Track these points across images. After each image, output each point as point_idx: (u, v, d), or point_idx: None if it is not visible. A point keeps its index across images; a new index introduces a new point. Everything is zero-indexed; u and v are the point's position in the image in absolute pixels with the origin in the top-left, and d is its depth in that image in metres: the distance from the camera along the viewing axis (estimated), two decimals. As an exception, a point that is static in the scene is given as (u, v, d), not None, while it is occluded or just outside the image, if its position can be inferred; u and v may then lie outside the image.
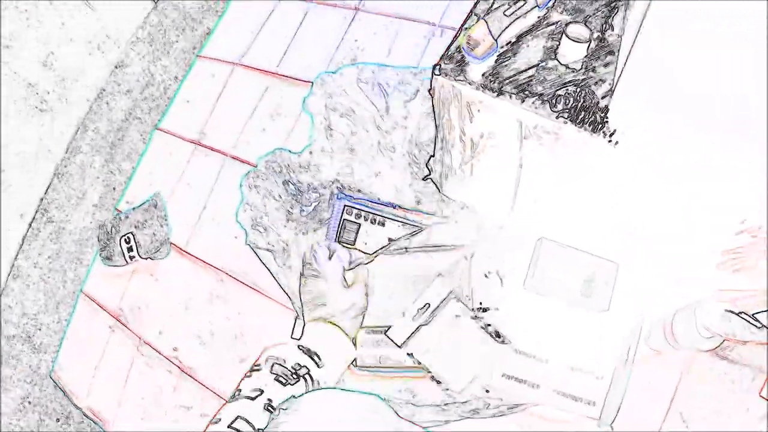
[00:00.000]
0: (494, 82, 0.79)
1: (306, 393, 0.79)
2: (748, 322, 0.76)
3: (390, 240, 0.97)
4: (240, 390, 0.78)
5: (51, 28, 1.24)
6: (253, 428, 0.72)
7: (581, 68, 0.79)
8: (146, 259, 1.14)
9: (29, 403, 1.16)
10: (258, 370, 0.84)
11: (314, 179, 1.08)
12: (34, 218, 1.26)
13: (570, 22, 0.79)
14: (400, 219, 1.01)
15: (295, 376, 0.79)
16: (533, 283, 0.91)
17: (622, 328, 0.88)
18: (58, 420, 1.13)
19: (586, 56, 0.79)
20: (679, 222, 0.81)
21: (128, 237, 1.16)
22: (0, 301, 1.21)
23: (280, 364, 0.81)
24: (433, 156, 0.99)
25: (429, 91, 0.87)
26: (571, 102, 0.76)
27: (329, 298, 0.89)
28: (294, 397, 0.77)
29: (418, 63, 1.10)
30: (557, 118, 0.77)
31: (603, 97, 0.77)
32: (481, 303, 0.93)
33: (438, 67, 0.81)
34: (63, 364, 1.16)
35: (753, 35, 0.75)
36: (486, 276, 0.95)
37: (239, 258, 1.08)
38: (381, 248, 0.98)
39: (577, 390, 0.87)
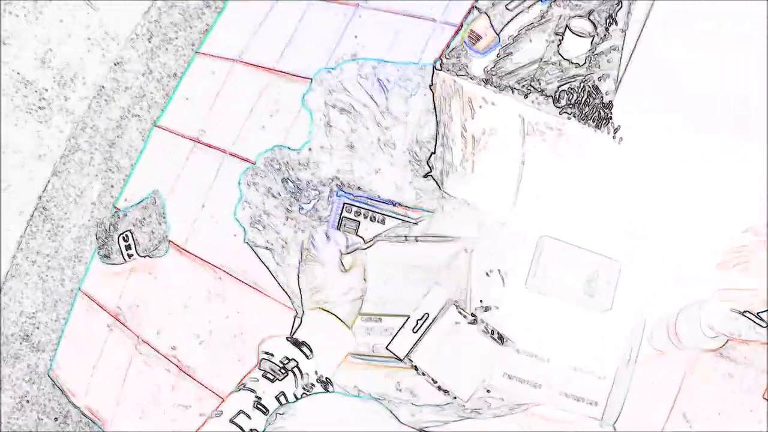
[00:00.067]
0: (496, 77, 0.78)
1: (303, 397, 0.78)
2: (754, 321, 0.76)
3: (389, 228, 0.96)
4: (244, 384, 0.76)
5: (49, 26, 1.24)
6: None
7: (585, 63, 0.78)
8: (145, 257, 1.14)
9: (27, 402, 1.15)
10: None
11: (313, 176, 1.07)
12: (32, 216, 1.26)
13: (573, 17, 0.78)
14: (400, 216, 1.00)
15: (283, 371, 0.77)
16: (535, 282, 0.91)
17: (625, 328, 0.88)
18: (56, 419, 1.13)
19: (589, 51, 0.78)
20: (681, 221, 0.81)
21: (126, 235, 1.16)
22: (-3, 299, 1.21)
23: (268, 359, 0.79)
24: (434, 153, 0.98)
25: (430, 86, 0.86)
26: (575, 97, 0.75)
27: (326, 283, 0.87)
28: (289, 402, 0.76)
29: (419, 59, 1.09)
30: (560, 114, 0.76)
31: (607, 93, 0.76)
32: (481, 301, 0.93)
33: (439, 61, 0.80)
34: (61, 362, 1.15)
35: (757, 34, 0.74)
36: (487, 274, 0.94)
37: (238, 256, 1.07)
38: (379, 234, 0.97)
39: (579, 390, 0.86)
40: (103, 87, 1.31)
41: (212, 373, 1.05)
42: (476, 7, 0.81)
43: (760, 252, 0.80)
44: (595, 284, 0.89)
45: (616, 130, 0.75)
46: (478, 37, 0.77)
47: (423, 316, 0.90)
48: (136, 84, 1.29)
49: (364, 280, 0.91)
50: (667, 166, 0.76)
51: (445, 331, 0.89)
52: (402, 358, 0.89)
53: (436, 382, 0.88)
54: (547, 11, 0.81)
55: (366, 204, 1.02)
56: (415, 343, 0.89)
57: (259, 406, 0.72)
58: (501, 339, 0.89)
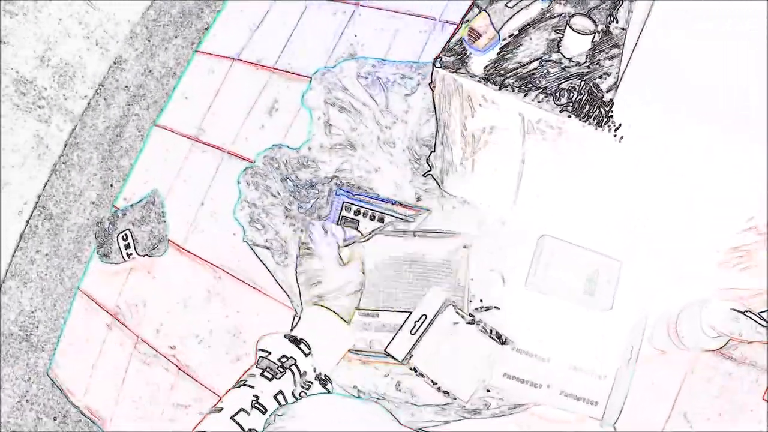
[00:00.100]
0: (496, 75, 0.78)
1: (302, 396, 0.77)
2: (755, 321, 0.75)
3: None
4: (244, 380, 0.76)
5: (49, 25, 1.24)
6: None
7: (585, 61, 0.77)
8: (144, 256, 1.14)
9: (27, 401, 1.15)
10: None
11: (313, 175, 1.06)
12: (31, 215, 1.25)
13: (574, 14, 0.77)
14: (399, 215, 0.99)
15: (281, 369, 0.77)
16: (535, 281, 0.90)
17: (625, 327, 0.87)
18: (55, 419, 1.13)
19: (590, 49, 0.77)
20: (682, 217, 0.80)
21: (126, 234, 1.15)
22: (-4, 298, 1.20)
23: (266, 357, 0.79)
24: (434, 151, 0.98)
25: (429, 84, 0.86)
26: (576, 96, 0.75)
27: (325, 276, 0.87)
28: (288, 402, 0.75)
29: (418, 58, 1.09)
30: (561, 112, 0.76)
31: (608, 91, 0.76)
32: (481, 301, 0.92)
33: (439, 59, 0.79)
34: (60, 362, 1.15)
35: (757, 34, 0.74)
36: (487, 274, 0.93)
37: (238, 255, 1.07)
38: (377, 228, 0.96)
39: (580, 390, 0.86)
40: (102, 86, 1.31)
41: (211, 373, 1.04)
42: (476, 5, 0.81)
43: (762, 251, 0.79)
44: (596, 283, 0.88)
45: (616, 129, 0.75)
46: (478, 35, 0.76)
47: (421, 318, 0.89)
48: (135, 83, 1.29)
49: (362, 273, 0.90)
50: (669, 162, 0.76)
51: (443, 332, 0.89)
52: (401, 360, 0.88)
53: (435, 384, 0.88)
54: (547, 9, 0.81)
55: (365, 203, 1.01)
56: (414, 345, 0.89)
57: (257, 405, 0.72)
58: (500, 338, 0.88)
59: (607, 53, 0.78)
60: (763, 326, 0.75)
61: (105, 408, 1.09)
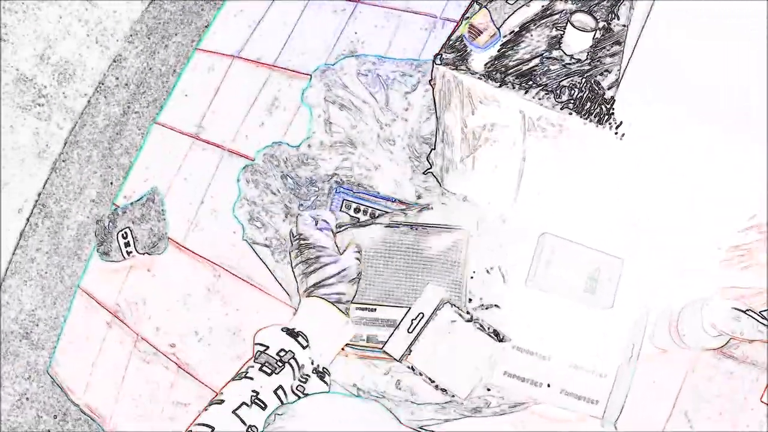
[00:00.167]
0: (497, 72, 0.77)
1: (299, 390, 0.76)
2: (756, 320, 0.75)
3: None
4: (245, 372, 0.75)
5: (48, 23, 1.23)
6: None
7: (587, 58, 0.77)
8: (144, 254, 1.13)
9: (27, 399, 1.15)
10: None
11: (313, 173, 1.06)
12: (31, 213, 1.25)
13: (575, 11, 0.77)
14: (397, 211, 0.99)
15: (280, 363, 0.76)
16: (536, 280, 0.90)
17: (626, 325, 0.87)
18: (55, 417, 1.13)
19: (591, 46, 0.77)
20: (684, 213, 0.80)
21: (125, 232, 1.15)
22: (-4, 296, 1.20)
23: (264, 351, 0.78)
24: (434, 149, 0.98)
25: (430, 81, 0.86)
26: (576, 93, 0.74)
27: (321, 263, 0.85)
28: (287, 397, 0.74)
29: (419, 55, 1.09)
30: (562, 109, 0.75)
31: (609, 88, 0.75)
32: (482, 299, 0.92)
33: (439, 56, 0.79)
34: (60, 360, 1.15)
35: (757, 34, 0.74)
36: (487, 272, 0.93)
37: (238, 253, 1.07)
38: (375, 217, 0.96)
39: (580, 388, 0.85)
40: (102, 84, 1.31)
41: (211, 371, 1.04)
42: (477, 2, 0.80)
43: (763, 250, 0.79)
44: (597, 281, 0.88)
45: (617, 126, 0.75)
46: (479, 32, 0.76)
47: (418, 316, 0.89)
48: (135, 81, 1.29)
49: (359, 261, 0.90)
50: (671, 158, 0.76)
51: (440, 330, 0.89)
52: (398, 359, 0.88)
53: (433, 382, 0.87)
54: (548, 6, 0.80)
55: (365, 201, 1.01)
56: (411, 344, 0.88)
57: (257, 400, 0.71)
58: (497, 335, 0.88)
59: (608, 50, 0.77)
60: (765, 325, 0.75)
61: (105, 406, 1.09)
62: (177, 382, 1.05)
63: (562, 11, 0.80)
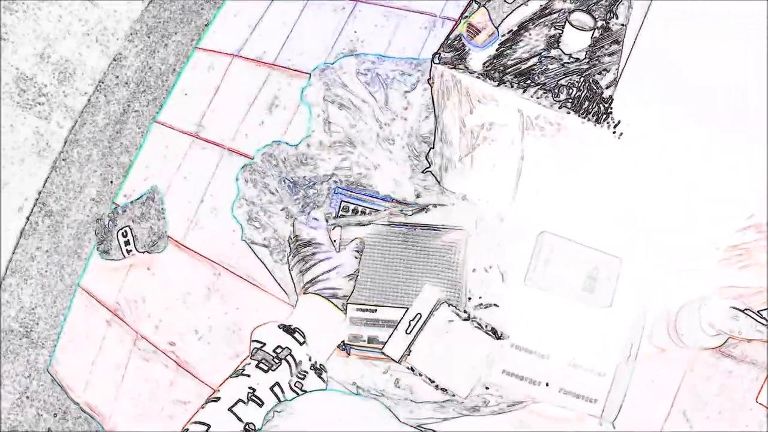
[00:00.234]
0: (495, 72, 0.77)
1: (297, 387, 0.76)
2: (755, 319, 0.75)
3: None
4: (242, 369, 0.75)
5: (49, 21, 1.23)
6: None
7: (585, 57, 0.77)
8: (143, 253, 1.14)
9: (27, 397, 1.15)
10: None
11: (312, 173, 1.06)
12: (32, 212, 1.25)
13: (573, 10, 0.77)
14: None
15: (276, 360, 0.76)
16: (534, 278, 0.90)
17: (625, 324, 0.87)
18: (55, 415, 1.13)
19: (589, 45, 0.77)
20: (682, 213, 0.80)
21: (125, 231, 1.16)
22: (-3, 294, 1.21)
23: (260, 348, 0.78)
24: (433, 148, 0.98)
25: (428, 80, 0.86)
26: (575, 92, 0.74)
27: (317, 259, 0.86)
28: (285, 394, 0.74)
29: (418, 54, 1.09)
30: (560, 108, 0.75)
31: (607, 87, 0.75)
32: (480, 298, 0.92)
33: (438, 55, 0.79)
34: (60, 358, 1.15)
35: (757, 33, 0.74)
36: (486, 270, 0.93)
37: (237, 252, 1.07)
38: (374, 216, 0.96)
39: (579, 387, 0.85)
40: (102, 83, 1.31)
41: (211, 369, 1.04)
42: (475, 1, 0.80)
43: (762, 250, 0.79)
44: (595, 280, 0.88)
45: (615, 125, 0.75)
46: (477, 31, 0.76)
47: (415, 317, 0.89)
48: (135, 80, 1.29)
49: (356, 257, 0.90)
50: (669, 157, 0.76)
51: (438, 330, 0.89)
52: (398, 360, 0.88)
53: (433, 382, 0.87)
54: (546, 5, 0.80)
55: (364, 201, 1.01)
56: (410, 344, 0.88)
57: (253, 398, 0.71)
58: (495, 333, 0.88)
59: (606, 49, 0.77)
60: (763, 324, 0.75)
61: (105, 404, 1.10)
62: (176, 380, 1.06)
63: (560, 10, 0.80)
